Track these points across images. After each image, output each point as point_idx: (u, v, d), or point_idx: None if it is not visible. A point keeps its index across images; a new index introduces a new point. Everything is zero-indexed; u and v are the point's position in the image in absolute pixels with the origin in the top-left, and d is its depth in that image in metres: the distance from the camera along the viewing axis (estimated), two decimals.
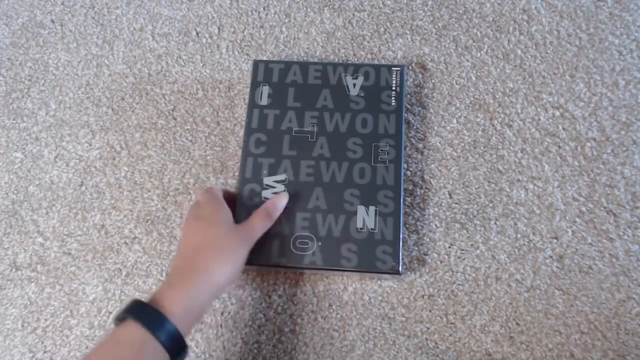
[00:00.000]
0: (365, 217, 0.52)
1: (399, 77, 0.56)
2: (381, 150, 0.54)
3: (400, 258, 0.50)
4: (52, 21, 0.66)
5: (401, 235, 0.51)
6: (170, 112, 0.61)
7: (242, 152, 0.55)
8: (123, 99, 0.61)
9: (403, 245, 0.53)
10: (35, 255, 0.56)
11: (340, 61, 0.61)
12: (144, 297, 0.42)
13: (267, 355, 0.51)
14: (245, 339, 0.52)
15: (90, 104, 0.62)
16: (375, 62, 0.61)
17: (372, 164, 0.53)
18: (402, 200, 0.52)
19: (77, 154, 0.60)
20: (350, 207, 0.52)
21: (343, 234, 0.51)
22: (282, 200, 0.52)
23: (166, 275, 0.55)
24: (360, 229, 0.51)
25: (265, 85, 0.57)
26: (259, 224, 0.49)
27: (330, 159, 0.54)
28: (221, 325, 0.52)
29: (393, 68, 0.57)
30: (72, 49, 0.64)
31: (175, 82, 0.62)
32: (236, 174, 0.58)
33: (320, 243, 0.51)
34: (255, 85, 0.57)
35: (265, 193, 0.53)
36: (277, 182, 0.53)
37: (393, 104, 0.55)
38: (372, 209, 0.52)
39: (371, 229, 0.51)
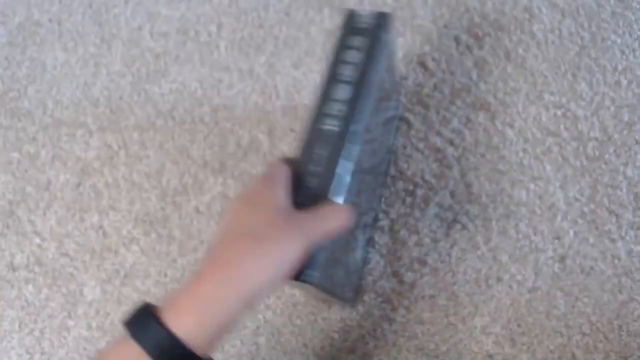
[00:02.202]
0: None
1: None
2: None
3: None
4: (50, 20, 0.65)
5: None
6: (169, 111, 0.60)
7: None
8: (121, 98, 0.61)
9: (402, 247, 0.53)
10: (33, 256, 0.56)
11: None
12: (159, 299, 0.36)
13: (267, 357, 0.51)
14: (244, 340, 0.52)
15: (88, 103, 0.61)
16: None
17: None
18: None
19: (75, 154, 0.59)
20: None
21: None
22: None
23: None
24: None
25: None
26: (333, 220, 0.35)
27: None
28: None
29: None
30: (70, 48, 0.64)
31: (174, 82, 0.61)
32: (235, 173, 0.57)
33: None
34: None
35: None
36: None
37: None
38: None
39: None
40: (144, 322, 0.31)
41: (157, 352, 0.30)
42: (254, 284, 0.32)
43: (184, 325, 0.30)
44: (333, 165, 0.38)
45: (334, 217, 0.36)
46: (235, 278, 0.32)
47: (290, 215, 0.34)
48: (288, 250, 0.33)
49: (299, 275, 0.36)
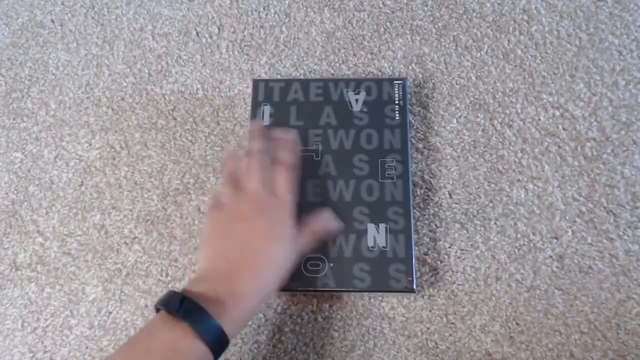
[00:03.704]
0: (376, 235, 0.51)
1: (401, 90, 0.56)
2: (388, 165, 0.53)
3: (414, 275, 0.50)
4: (52, 21, 0.66)
5: (413, 252, 0.50)
6: (170, 112, 0.61)
7: None
8: (123, 99, 0.62)
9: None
10: (35, 255, 0.56)
11: (342, 76, 0.60)
12: (180, 287, 0.41)
13: (267, 355, 0.51)
14: (245, 338, 0.52)
15: (90, 103, 0.62)
16: (376, 71, 0.61)
17: (380, 180, 0.52)
18: (412, 216, 0.51)
19: (77, 154, 0.60)
20: (360, 226, 0.51)
21: (354, 253, 0.50)
22: (331, 225, 0.51)
23: (197, 257, 0.54)
24: (372, 247, 0.50)
25: (266, 105, 0.56)
26: (311, 240, 0.48)
27: (336, 177, 0.53)
28: None
29: (395, 81, 0.56)
30: (72, 49, 0.64)
31: (175, 82, 0.62)
32: None
33: (331, 264, 0.50)
34: (256, 105, 0.56)
35: None
36: None
37: (397, 118, 0.55)
38: (382, 226, 0.51)
39: (383, 247, 0.50)
40: (199, 313, 0.38)
41: (211, 340, 0.38)
42: (269, 292, 0.43)
43: (228, 324, 0.39)
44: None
45: (312, 239, 0.48)
46: (263, 291, 0.42)
47: (296, 239, 0.46)
48: (288, 267, 0.45)
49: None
